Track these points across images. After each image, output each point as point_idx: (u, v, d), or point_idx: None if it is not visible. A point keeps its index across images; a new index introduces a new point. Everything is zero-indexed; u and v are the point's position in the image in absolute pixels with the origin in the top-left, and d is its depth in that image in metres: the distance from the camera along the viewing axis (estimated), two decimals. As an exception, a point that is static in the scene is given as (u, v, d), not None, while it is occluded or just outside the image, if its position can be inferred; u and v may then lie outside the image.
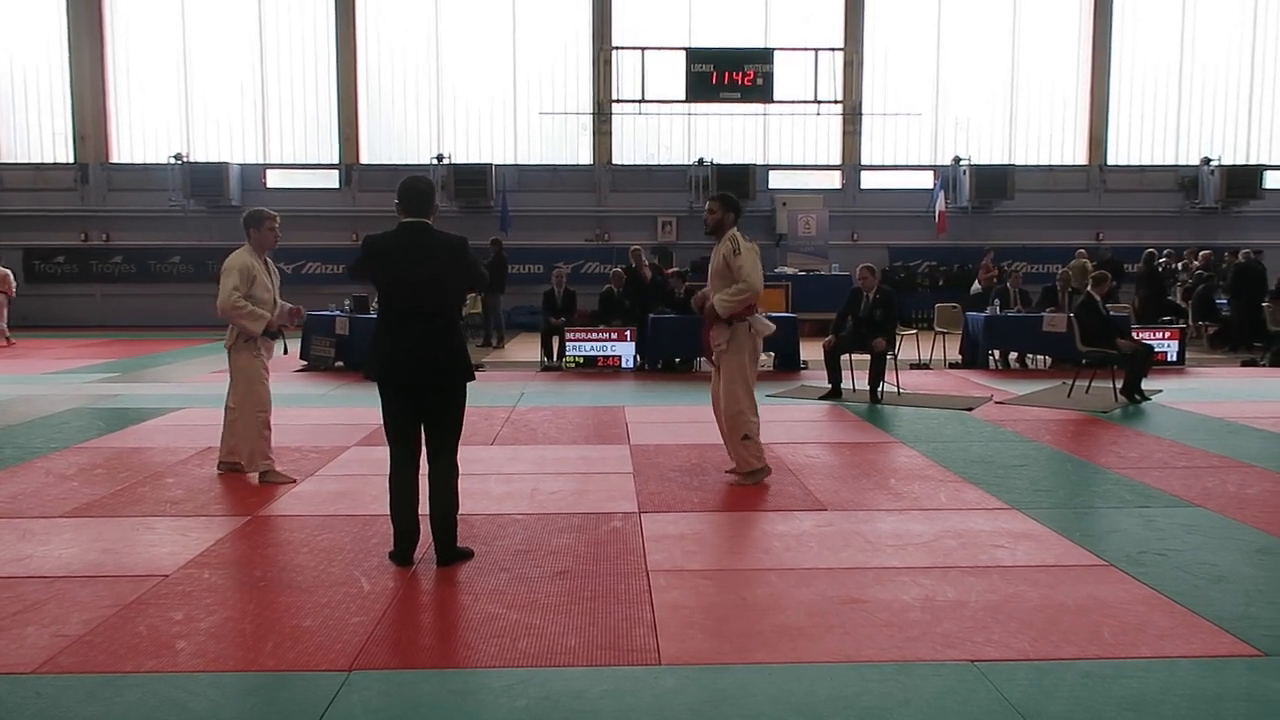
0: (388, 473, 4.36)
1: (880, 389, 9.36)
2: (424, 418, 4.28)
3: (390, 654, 3.38)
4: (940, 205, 19.06)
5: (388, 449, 4.38)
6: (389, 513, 4.37)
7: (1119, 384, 9.28)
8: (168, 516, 5.14)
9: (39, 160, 19.76)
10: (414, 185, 4.34)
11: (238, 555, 4.47)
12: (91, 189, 19.67)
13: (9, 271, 16.06)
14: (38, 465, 6.35)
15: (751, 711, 2.94)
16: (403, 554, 4.33)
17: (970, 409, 8.77)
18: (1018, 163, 19.77)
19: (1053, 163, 20.14)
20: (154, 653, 3.35)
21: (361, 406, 8.86)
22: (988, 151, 20.01)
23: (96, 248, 19.71)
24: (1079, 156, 20.27)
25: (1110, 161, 20.18)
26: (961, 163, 19.59)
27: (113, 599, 3.86)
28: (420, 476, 4.32)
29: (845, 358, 9.69)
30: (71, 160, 19.70)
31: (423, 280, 4.20)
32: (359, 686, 3.11)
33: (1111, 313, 10.48)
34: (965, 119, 20.11)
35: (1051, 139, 20.30)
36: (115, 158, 19.81)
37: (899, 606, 3.80)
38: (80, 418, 8.36)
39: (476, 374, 4.50)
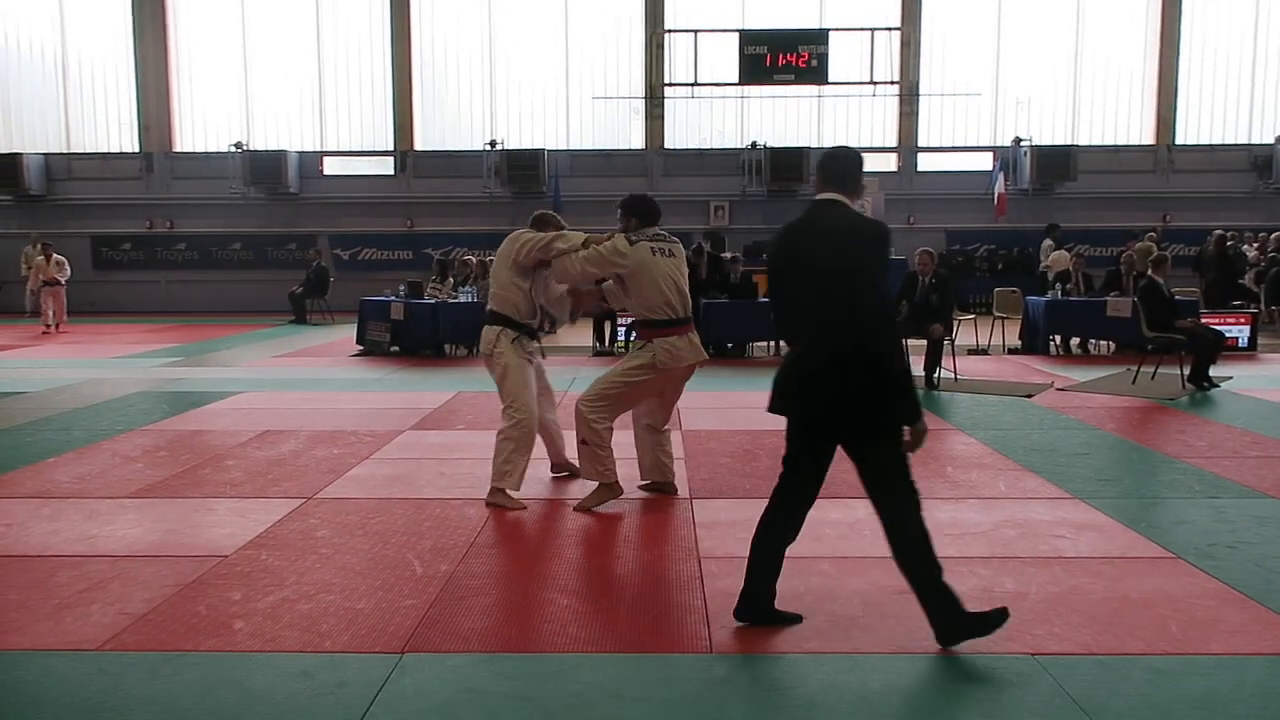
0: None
1: (937, 375, 9.19)
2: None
3: (443, 637, 3.40)
4: (999, 187, 18.62)
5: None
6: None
7: (1186, 370, 8.99)
8: (227, 498, 5.24)
9: (105, 150, 20.28)
10: (834, 154, 3.40)
11: (294, 537, 4.54)
12: (156, 177, 20.12)
13: (64, 259, 16.00)
14: (104, 447, 6.52)
15: (804, 701, 2.90)
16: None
17: (1030, 395, 8.57)
18: (1081, 143, 19.21)
19: (1118, 143, 19.54)
20: (213, 632, 3.42)
21: (416, 391, 8.95)
22: (1049, 132, 19.48)
23: (161, 235, 20.18)
24: (1145, 136, 19.63)
25: (1179, 141, 19.49)
26: (1022, 143, 19.10)
27: (174, 578, 3.94)
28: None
29: (902, 343, 9.52)
30: (137, 149, 20.17)
31: (829, 274, 3.20)
32: (412, 669, 3.13)
33: (1177, 297, 10.15)
34: (1026, 98, 19.59)
35: (1117, 118, 19.68)
36: (178, 146, 20.24)
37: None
38: (145, 401, 8.57)
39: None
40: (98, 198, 19.99)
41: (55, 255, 15.70)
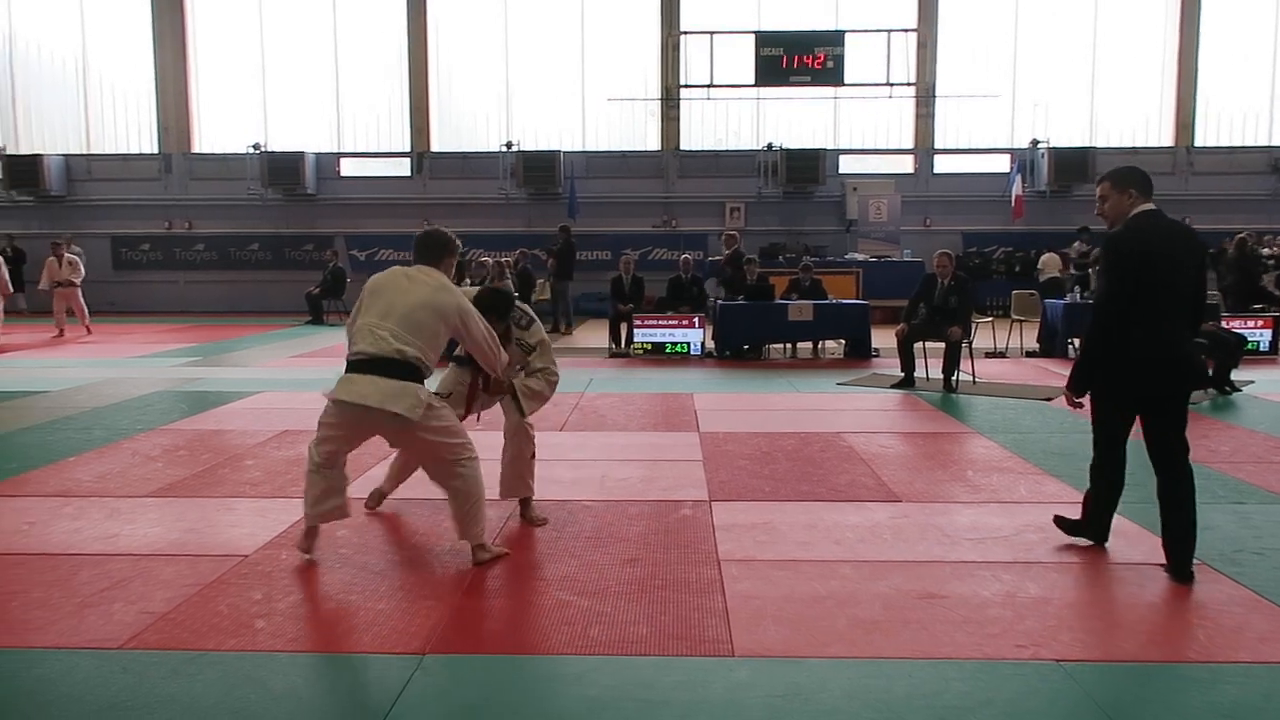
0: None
1: (955, 378, 9.15)
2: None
3: (462, 639, 3.40)
4: (1017, 189, 18.55)
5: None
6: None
7: (1209, 374, 8.90)
8: (247, 498, 5.25)
9: (125, 151, 20.43)
10: (1142, 170, 4.07)
11: (314, 537, 4.53)
12: (174, 178, 20.27)
13: (77, 259, 15.21)
14: (124, 446, 6.55)
15: (827, 707, 2.88)
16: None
17: (1050, 399, 8.50)
18: (1099, 145, 19.11)
19: (1136, 144, 19.41)
20: (234, 631, 3.42)
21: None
22: (1067, 133, 19.38)
23: (179, 235, 20.32)
24: (1165, 138, 19.51)
25: (1198, 143, 19.37)
26: (1039, 145, 19.02)
27: (195, 578, 3.95)
28: None
29: (919, 345, 9.49)
30: (156, 150, 20.32)
31: (1193, 268, 3.98)
32: (432, 670, 3.13)
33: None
34: (1044, 100, 19.50)
35: (1135, 120, 19.57)
36: (197, 148, 20.38)
37: (979, 602, 3.68)
38: (164, 400, 8.62)
39: None
40: (117, 198, 20.14)
41: (67, 256, 14.91)
